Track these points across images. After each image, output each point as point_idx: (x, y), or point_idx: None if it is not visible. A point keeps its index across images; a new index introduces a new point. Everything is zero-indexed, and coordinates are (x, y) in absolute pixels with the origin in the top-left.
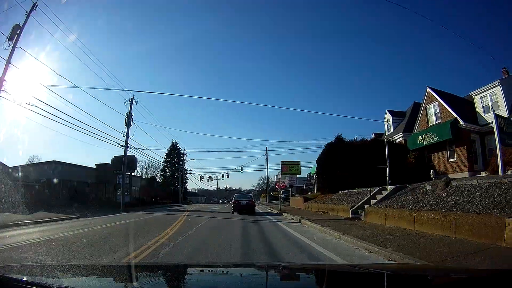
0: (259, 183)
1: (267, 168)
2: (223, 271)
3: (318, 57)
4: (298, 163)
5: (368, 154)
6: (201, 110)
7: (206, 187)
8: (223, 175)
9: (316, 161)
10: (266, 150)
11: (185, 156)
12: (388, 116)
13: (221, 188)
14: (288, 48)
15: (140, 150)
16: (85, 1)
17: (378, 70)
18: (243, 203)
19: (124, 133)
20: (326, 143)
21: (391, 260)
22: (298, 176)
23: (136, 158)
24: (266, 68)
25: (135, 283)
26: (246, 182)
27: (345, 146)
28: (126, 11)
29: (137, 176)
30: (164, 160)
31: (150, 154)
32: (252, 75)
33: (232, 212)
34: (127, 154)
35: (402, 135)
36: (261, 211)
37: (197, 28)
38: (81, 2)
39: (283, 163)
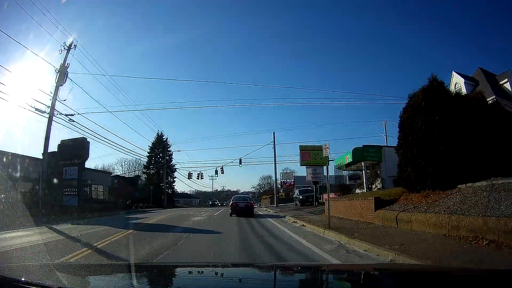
0: (259, 183)
1: (275, 159)
2: (219, 272)
3: (319, 56)
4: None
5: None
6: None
7: (203, 189)
8: (216, 171)
9: (399, 126)
10: (274, 137)
11: (170, 147)
12: (458, 79)
13: (218, 190)
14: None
15: (96, 134)
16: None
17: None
18: (241, 205)
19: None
20: (412, 92)
21: None
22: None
23: (88, 142)
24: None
25: (135, 283)
26: (245, 182)
27: (449, 100)
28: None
29: (105, 171)
30: (147, 154)
31: (131, 147)
32: (254, 75)
33: (230, 215)
34: (77, 137)
35: (495, 98)
36: (283, 225)
37: (198, 27)
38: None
39: (303, 148)
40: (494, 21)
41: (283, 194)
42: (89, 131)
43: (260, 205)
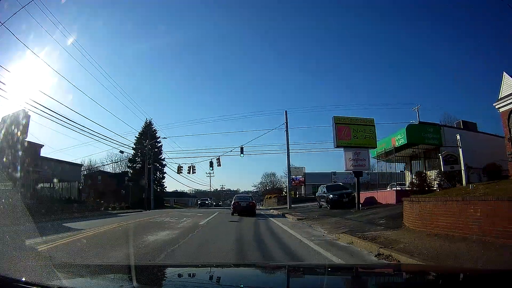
0: (261, 181)
1: (288, 145)
2: (222, 271)
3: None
4: (371, 121)
5: None
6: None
7: (202, 188)
8: (211, 163)
9: None
10: (286, 117)
11: (159, 137)
12: None
13: (218, 189)
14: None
15: None
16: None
17: None
18: (243, 204)
19: None
20: None
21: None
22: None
23: (28, 116)
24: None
25: (134, 283)
26: (246, 180)
27: None
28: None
29: (73, 163)
30: (133, 145)
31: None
32: (257, 75)
33: (232, 214)
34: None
35: None
36: None
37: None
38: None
39: (339, 121)
40: (495, 21)
41: (291, 193)
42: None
43: (262, 204)
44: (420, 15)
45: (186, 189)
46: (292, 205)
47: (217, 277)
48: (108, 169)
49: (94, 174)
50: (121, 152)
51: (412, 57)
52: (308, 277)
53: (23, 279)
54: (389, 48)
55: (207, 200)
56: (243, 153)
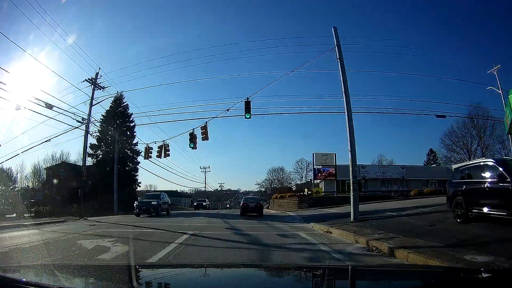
0: (267, 178)
1: (344, 77)
2: (224, 271)
3: None
4: None
5: None
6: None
7: (201, 188)
8: (192, 136)
9: None
10: (336, 34)
11: (130, 111)
12: None
13: (218, 189)
14: None
15: None
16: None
17: None
18: (251, 206)
19: None
20: None
21: None
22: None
23: None
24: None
25: (135, 284)
26: (247, 178)
27: None
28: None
29: None
30: (99, 127)
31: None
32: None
33: (241, 214)
34: None
35: None
36: None
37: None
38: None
39: None
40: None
41: (321, 189)
42: None
43: (268, 206)
44: None
45: (186, 189)
46: (325, 210)
47: (219, 277)
48: (90, 162)
49: (56, 167)
50: None
51: None
52: (309, 277)
53: (23, 279)
54: None
55: (155, 200)
56: (250, 113)
